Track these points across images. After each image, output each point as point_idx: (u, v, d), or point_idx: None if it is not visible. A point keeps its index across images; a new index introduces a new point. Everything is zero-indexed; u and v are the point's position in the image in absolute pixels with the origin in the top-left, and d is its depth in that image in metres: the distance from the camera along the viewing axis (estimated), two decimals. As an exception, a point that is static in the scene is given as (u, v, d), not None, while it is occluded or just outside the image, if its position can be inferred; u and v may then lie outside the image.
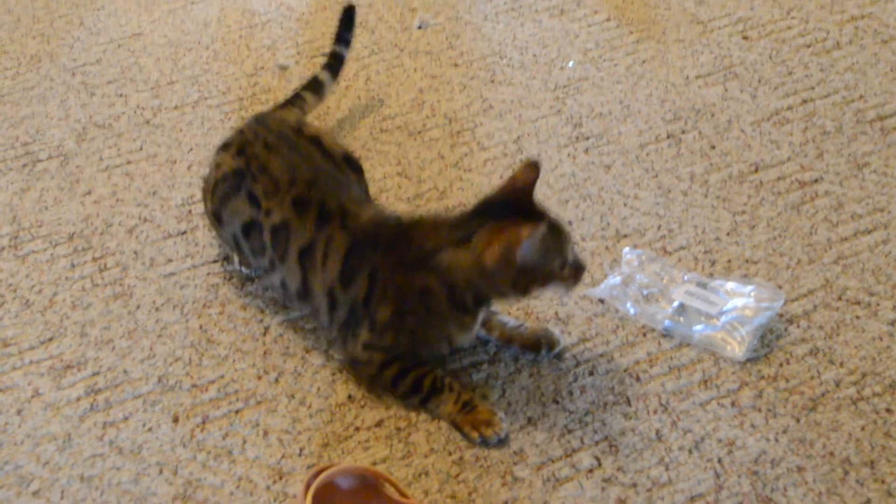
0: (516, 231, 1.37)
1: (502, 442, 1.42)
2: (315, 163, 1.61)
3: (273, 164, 1.58)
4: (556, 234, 1.43)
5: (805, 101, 2.04)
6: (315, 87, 1.93)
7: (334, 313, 1.52)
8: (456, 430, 1.45)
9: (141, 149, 2.01)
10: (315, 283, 1.52)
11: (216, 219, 1.66)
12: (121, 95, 2.16)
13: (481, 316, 1.51)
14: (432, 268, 1.44)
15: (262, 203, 1.56)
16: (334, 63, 1.97)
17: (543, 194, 1.80)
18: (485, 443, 1.43)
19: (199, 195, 1.80)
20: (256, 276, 1.70)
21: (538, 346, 1.54)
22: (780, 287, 1.63)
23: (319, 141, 1.67)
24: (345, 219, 1.52)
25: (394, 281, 1.46)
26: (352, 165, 1.67)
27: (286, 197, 1.54)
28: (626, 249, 1.70)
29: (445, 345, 1.51)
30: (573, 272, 1.45)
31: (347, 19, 1.99)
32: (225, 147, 1.67)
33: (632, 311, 1.60)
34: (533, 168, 1.44)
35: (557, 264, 1.42)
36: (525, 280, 1.41)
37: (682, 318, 1.58)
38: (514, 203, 1.43)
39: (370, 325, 1.48)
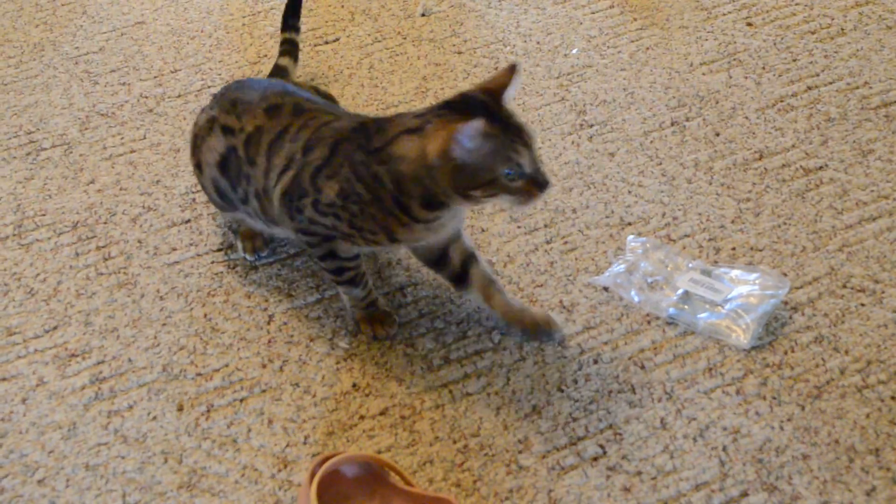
0: (456, 124, 1.29)
1: (391, 339, 1.56)
2: (285, 85, 1.64)
3: (244, 95, 1.60)
4: (510, 136, 1.32)
5: (809, 88, 2.03)
6: (281, 74, 1.98)
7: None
8: (355, 323, 1.58)
9: (144, 137, 2.01)
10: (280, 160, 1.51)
11: (198, 169, 1.65)
12: (124, 84, 2.16)
13: (440, 222, 1.43)
14: (386, 157, 1.38)
15: (236, 126, 1.56)
16: (291, 49, 2.03)
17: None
18: (376, 339, 1.56)
19: (202, 184, 1.81)
20: (260, 264, 1.70)
21: (537, 331, 1.54)
22: (785, 274, 1.63)
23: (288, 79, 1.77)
24: (329, 111, 1.54)
25: (351, 158, 1.42)
26: (321, 94, 1.72)
27: (258, 109, 1.55)
28: (631, 237, 1.70)
29: (384, 237, 1.45)
30: (528, 185, 1.33)
31: (293, 6, 2.05)
32: (200, 112, 1.69)
33: (636, 299, 1.60)
34: (510, 71, 1.37)
35: (505, 171, 1.31)
36: (464, 181, 1.32)
37: (686, 306, 1.57)
38: (484, 103, 1.35)
39: (314, 203, 1.46)
